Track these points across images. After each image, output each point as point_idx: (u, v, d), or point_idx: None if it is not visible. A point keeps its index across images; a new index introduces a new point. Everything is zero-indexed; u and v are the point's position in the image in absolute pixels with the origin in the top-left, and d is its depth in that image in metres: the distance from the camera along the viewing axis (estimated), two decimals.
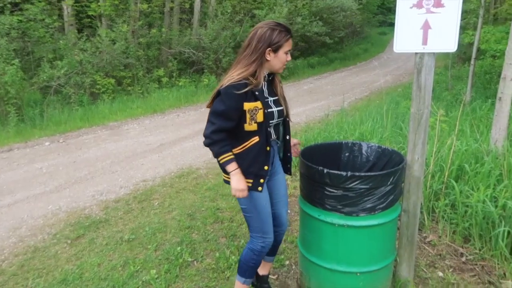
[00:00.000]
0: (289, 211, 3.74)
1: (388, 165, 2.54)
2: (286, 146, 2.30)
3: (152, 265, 2.85)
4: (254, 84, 1.99)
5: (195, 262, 2.90)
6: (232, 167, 2.01)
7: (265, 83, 2.10)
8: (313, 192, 2.30)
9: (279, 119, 2.14)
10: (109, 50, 9.85)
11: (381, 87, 10.95)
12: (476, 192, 2.94)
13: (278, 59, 2.03)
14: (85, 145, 6.19)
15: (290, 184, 4.29)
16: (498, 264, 2.67)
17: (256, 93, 2.00)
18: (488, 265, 2.75)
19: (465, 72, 9.86)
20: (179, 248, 3.04)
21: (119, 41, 10.14)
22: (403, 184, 2.43)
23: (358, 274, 2.27)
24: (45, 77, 8.64)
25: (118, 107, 8.83)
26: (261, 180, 2.08)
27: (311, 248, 2.42)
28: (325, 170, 2.17)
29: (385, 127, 4.93)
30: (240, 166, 2.04)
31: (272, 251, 2.46)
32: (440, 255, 2.93)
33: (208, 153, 5.55)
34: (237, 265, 2.77)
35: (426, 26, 2.17)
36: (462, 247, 2.97)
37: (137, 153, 5.67)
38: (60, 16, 11.27)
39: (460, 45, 11.02)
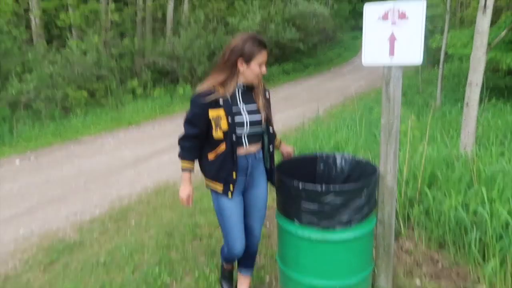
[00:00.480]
0: (267, 223, 3.73)
1: (363, 176, 2.57)
2: (271, 158, 2.34)
3: None
4: (221, 92, 2.06)
5: (174, 282, 2.85)
6: (183, 176, 2.21)
7: (239, 93, 2.14)
8: (290, 206, 2.30)
9: (254, 129, 2.16)
10: (80, 62, 9.66)
11: (355, 92, 11.13)
12: (448, 198, 3.01)
13: (251, 71, 2.07)
14: (57, 162, 6.02)
15: (269, 196, 4.28)
16: (472, 269, 2.74)
17: (221, 101, 2.05)
18: (462, 271, 2.80)
19: (435, 75, 10.13)
20: (157, 269, 2.97)
21: (91, 52, 9.96)
22: (377, 195, 2.47)
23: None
24: (13, 92, 8.37)
25: (92, 121, 8.64)
26: (231, 187, 2.17)
27: (289, 263, 2.42)
28: (301, 184, 2.18)
29: (359, 134, 5.00)
30: (211, 171, 2.19)
31: (246, 263, 2.48)
32: (417, 262, 2.98)
33: None
34: (216, 284, 2.76)
35: (392, 38, 2.21)
36: (438, 254, 3.03)
37: (112, 169, 5.55)
38: (28, 27, 10.97)
39: (429, 48, 11.38)
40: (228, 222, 2.24)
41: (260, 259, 3.11)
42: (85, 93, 9.70)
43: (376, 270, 2.56)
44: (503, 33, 4.58)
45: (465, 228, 2.81)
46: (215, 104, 2.05)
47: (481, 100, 4.77)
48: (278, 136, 2.60)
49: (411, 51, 2.19)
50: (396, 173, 2.40)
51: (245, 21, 13.60)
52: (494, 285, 2.53)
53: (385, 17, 2.22)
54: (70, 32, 11.33)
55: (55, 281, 2.93)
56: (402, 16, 2.18)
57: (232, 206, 2.22)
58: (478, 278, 2.66)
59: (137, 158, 6.00)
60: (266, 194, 2.42)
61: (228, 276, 2.66)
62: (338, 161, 2.77)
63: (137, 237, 3.52)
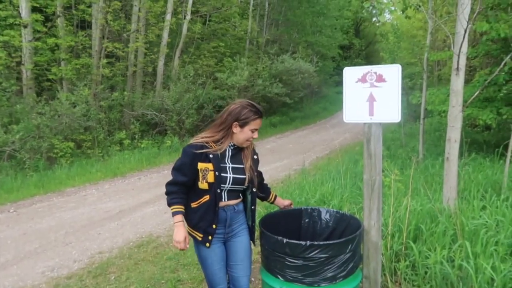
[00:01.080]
0: (253, 278, 3.63)
1: (347, 230, 2.58)
2: (252, 215, 2.43)
3: None
4: (214, 149, 2.21)
5: None
6: (176, 219, 2.21)
7: (229, 151, 2.28)
8: (274, 262, 2.27)
9: (236, 186, 2.27)
10: (68, 113, 9.71)
11: (341, 145, 11.35)
12: (433, 252, 3.01)
13: (243, 134, 2.24)
14: (38, 214, 5.86)
15: (254, 249, 4.20)
16: None
17: (211, 156, 2.19)
18: None
19: (417, 129, 10.45)
20: None
21: (80, 104, 10.05)
22: (362, 250, 2.46)
23: None
24: None
25: (77, 172, 8.54)
26: (209, 237, 2.25)
27: None
28: (285, 240, 2.17)
29: (344, 187, 5.05)
30: (192, 220, 2.27)
31: None
32: None
33: (169, 219, 5.40)
34: None
35: (371, 99, 2.33)
36: None
37: (94, 222, 5.41)
38: (19, 79, 11.12)
39: (410, 104, 11.77)
40: (209, 270, 2.32)
41: None
42: (71, 144, 9.67)
43: None
44: (476, 92, 4.83)
45: (452, 284, 2.78)
46: (205, 158, 2.19)
47: (461, 154, 4.92)
48: (273, 191, 2.71)
49: (390, 110, 2.30)
50: (380, 228, 2.42)
51: (233, 77, 14.05)
52: None
53: (363, 80, 2.36)
54: (61, 85, 11.51)
55: None
56: (380, 78, 2.32)
57: (212, 255, 2.29)
58: None
59: (121, 210, 5.89)
60: (248, 245, 2.43)
61: None
62: (323, 215, 2.78)
63: None
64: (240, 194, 2.38)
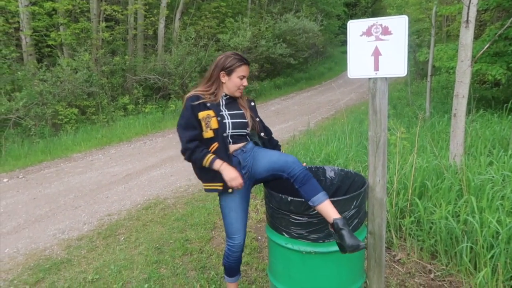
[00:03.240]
0: (259, 237, 3.70)
1: (352, 188, 2.57)
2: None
3: None
4: (209, 99, 2.26)
5: None
6: (218, 163, 2.19)
7: (223, 101, 2.33)
8: (279, 220, 2.28)
9: (238, 131, 2.30)
10: (71, 79, 9.64)
11: (346, 105, 11.23)
12: (438, 208, 3.01)
13: (232, 82, 2.28)
14: (46, 179, 5.95)
15: (260, 209, 4.27)
16: (464, 279, 2.72)
17: (208, 104, 2.24)
18: (455, 280, 2.79)
19: (424, 87, 10.28)
20: (146, 286, 2.92)
21: (81, 70, 9.96)
22: (367, 207, 2.46)
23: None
24: (2, 110, 8.32)
25: (82, 138, 8.58)
26: None
27: (280, 277, 2.39)
28: (289, 198, 2.17)
29: (350, 146, 5.02)
30: (208, 173, 2.25)
31: (306, 189, 2.09)
32: (409, 273, 2.96)
33: (176, 181, 5.46)
34: None
35: (376, 53, 2.24)
36: (430, 264, 3.02)
37: (102, 185, 5.49)
38: (18, 46, 10.96)
39: (417, 62, 11.57)
40: (227, 218, 2.34)
41: (251, 273, 3.07)
42: (75, 110, 9.66)
43: (367, 282, 2.53)
44: (486, 46, 4.67)
45: (456, 238, 2.80)
46: (203, 107, 2.23)
47: (468, 111, 4.84)
48: (282, 148, 2.73)
49: (396, 64, 2.22)
50: (385, 185, 2.40)
51: (236, 38, 13.73)
52: None
53: (368, 33, 2.26)
54: (61, 50, 11.35)
55: None
56: (386, 31, 2.22)
57: (230, 203, 2.31)
58: (471, 287, 2.64)
59: (128, 174, 5.95)
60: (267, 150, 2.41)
61: None
62: (328, 173, 2.77)
63: (126, 254, 3.46)
64: (248, 138, 2.40)
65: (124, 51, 12.46)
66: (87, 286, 2.99)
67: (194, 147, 2.20)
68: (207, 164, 2.19)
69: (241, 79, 2.29)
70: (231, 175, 2.17)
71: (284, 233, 2.26)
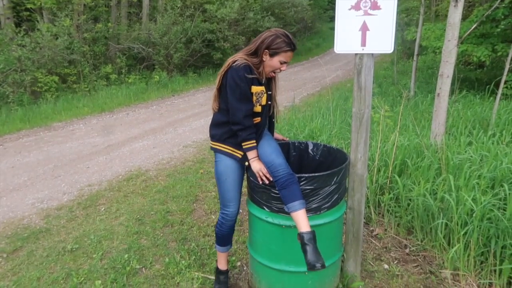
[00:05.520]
0: (240, 210, 3.72)
1: (334, 164, 2.59)
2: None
3: (97, 276, 2.72)
4: (257, 72, 2.18)
5: (143, 269, 2.81)
6: (253, 154, 2.19)
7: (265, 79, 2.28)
8: (260, 194, 2.29)
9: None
10: (51, 46, 9.31)
11: (332, 82, 11.21)
12: (417, 186, 3.07)
13: (271, 64, 2.19)
14: (25, 148, 5.82)
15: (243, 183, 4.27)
16: (437, 254, 2.81)
17: (262, 80, 2.22)
18: (429, 255, 2.88)
19: (410, 67, 10.31)
20: (126, 256, 2.93)
21: (62, 36, 9.61)
22: (347, 182, 2.48)
23: (306, 273, 2.29)
24: None
25: (63, 107, 8.38)
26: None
27: (260, 250, 2.41)
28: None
29: (334, 123, 5.04)
30: (234, 139, 2.23)
31: (286, 196, 2.09)
32: (386, 247, 3.04)
33: (158, 153, 5.41)
34: (187, 269, 2.75)
35: (364, 28, 2.21)
36: (406, 239, 3.10)
37: (82, 156, 5.40)
38: None
39: (405, 41, 11.56)
40: (223, 186, 2.32)
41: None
42: (55, 78, 9.39)
43: (345, 255, 2.59)
44: (473, 26, 4.67)
45: (433, 215, 2.87)
46: (256, 81, 2.17)
47: (452, 91, 4.88)
48: None
49: (383, 40, 2.19)
50: (366, 161, 2.42)
51: (223, 9, 13.39)
52: (458, 269, 2.61)
53: (357, 7, 2.22)
54: (41, 15, 10.89)
55: (18, 269, 2.83)
56: (374, 5, 2.18)
57: (230, 172, 2.29)
58: (443, 262, 2.73)
59: (109, 145, 5.87)
60: (271, 135, 2.44)
61: (223, 281, 2.55)
62: (310, 148, 2.77)
63: (107, 224, 3.45)
64: None
65: (107, 18, 12.04)
66: (66, 255, 2.98)
67: (248, 125, 2.15)
68: (246, 147, 2.17)
69: (282, 63, 2.19)
70: (260, 166, 2.17)
71: (264, 207, 2.28)
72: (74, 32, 10.28)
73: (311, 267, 1.95)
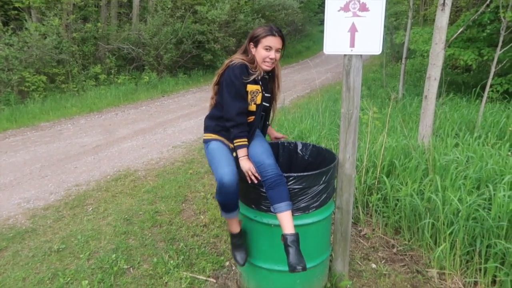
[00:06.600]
0: None
1: (323, 164, 2.60)
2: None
3: (84, 276, 2.69)
4: (255, 72, 2.21)
5: (131, 269, 2.79)
6: (243, 152, 2.19)
7: (264, 77, 2.31)
8: (249, 194, 2.29)
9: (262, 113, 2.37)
10: (39, 45, 9.19)
11: (322, 84, 11.28)
12: (404, 186, 3.11)
13: (259, 54, 2.22)
14: (11, 148, 5.73)
15: None
16: (424, 253, 2.85)
17: (258, 78, 2.23)
18: (416, 255, 2.92)
19: (398, 70, 10.43)
20: (114, 256, 2.90)
21: (51, 35, 9.50)
22: (336, 182, 2.50)
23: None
24: None
25: (51, 106, 8.28)
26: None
27: (248, 249, 2.42)
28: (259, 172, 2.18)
29: (323, 124, 5.07)
30: (228, 134, 2.25)
31: (273, 196, 2.11)
32: (373, 247, 3.07)
33: (147, 154, 5.38)
34: (175, 269, 2.74)
35: (353, 29, 2.23)
36: (394, 239, 3.13)
37: (70, 156, 5.34)
38: None
39: (394, 44, 11.68)
40: (217, 155, 2.21)
41: (220, 245, 3.10)
42: (43, 78, 9.27)
43: (333, 255, 2.61)
44: (460, 30, 4.75)
45: (419, 215, 2.91)
46: (253, 80, 2.20)
47: (439, 94, 4.95)
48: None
49: (371, 42, 2.22)
50: (355, 161, 2.45)
51: (214, 10, 13.39)
52: (444, 268, 2.64)
53: (346, 8, 2.24)
54: (29, 14, 10.75)
55: (3, 269, 2.79)
56: (363, 7, 2.21)
57: (230, 152, 2.26)
58: (430, 261, 2.77)
59: (98, 145, 5.81)
60: (263, 141, 2.39)
61: (238, 244, 2.39)
62: (299, 148, 2.79)
63: (94, 224, 3.42)
64: None
65: (96, 18, 11.95)
66: (52, 256, 2.95)
67: (241, 122, 2.18)
68: (237, 144, 2.19)
69: (267, 50, 2.20)
70: (248, 165, 2.16)
71: (253, 206, 2.28)
72: (63, 31, 10.17)
73: (292, 269, 1.98)
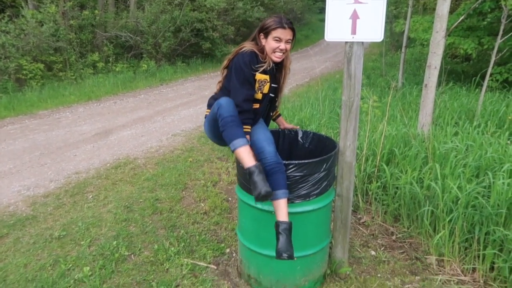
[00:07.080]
0: (230, 198, 3.73)
1: (324, 151, 2.60)
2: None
3: (86, 262, 2.71)
4: (264, 62, 2.21)
5: (132, 255, 2.80)
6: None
7: (273, 68, 2.29)
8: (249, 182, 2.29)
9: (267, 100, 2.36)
10: (36, 33, 9.11)
11: (321, 73, 11.24)
12: (404, 174, 3.12)
13: (269, 45, 2.21)
14: (10, 136, 5.72)
15: (232, 172, 4.29)
16: (423, 240, 2.87)
17: (268, 68, 2.23)
18: (415, 242, 2.94)
19: (398, 59, 10.39)
20: (115, 242, 2.92)
21: (47, 23, 9.41)
22: (336, 170, 2.51)
23: (295, 258, 2.32)
24: None
25: (49, 94, 8.24)
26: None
27: (249, 236, 2.43)
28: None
29: (323, 113, 5.06)
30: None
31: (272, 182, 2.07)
32: (373, 234, 3.09)
33: (147, 142, 5.37)
34: (176, 256, 2.75)
35: (354, 16, 2.21)
36: (393, 226, 3.16)
37: (69, 144, 5.33)
38: None
39: (393, 33, 11.62)
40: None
41: (220, 232, 3.12)
42: (41, 66, 9.20)
43: (333, 242, 2.63)
44: (460, 18, 4.72)
45: (419, 202, 2.92)
46: (263, 70, 2.21)
47: (439, 83, 4.94)
48: (278, 109, 2.73)
49: (373, 29, 2.21)
50: (355, 149, 2.45)
51: None
52: (443, 255, 2.67)
53: None
54: (25, 1, 10.62)
55: (5, 255, 2.80)
56: None
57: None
58: (429, 248, 2.79)
59: (97, 133, 5.80)
60: (266, 125, 2.48)
61: (256, 179, 2.00)
62: (300, 136, 2.79)
63: (95, 212, 3.43)
64: None
65: (94, 5, 11.82)
66: (53, 242, 2.96)
67: (246, 109, 2.18)
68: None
69: (277, 41, 2.19)
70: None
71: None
72: (60, 19, 10.07)
73: (278, 255, 2.01)
